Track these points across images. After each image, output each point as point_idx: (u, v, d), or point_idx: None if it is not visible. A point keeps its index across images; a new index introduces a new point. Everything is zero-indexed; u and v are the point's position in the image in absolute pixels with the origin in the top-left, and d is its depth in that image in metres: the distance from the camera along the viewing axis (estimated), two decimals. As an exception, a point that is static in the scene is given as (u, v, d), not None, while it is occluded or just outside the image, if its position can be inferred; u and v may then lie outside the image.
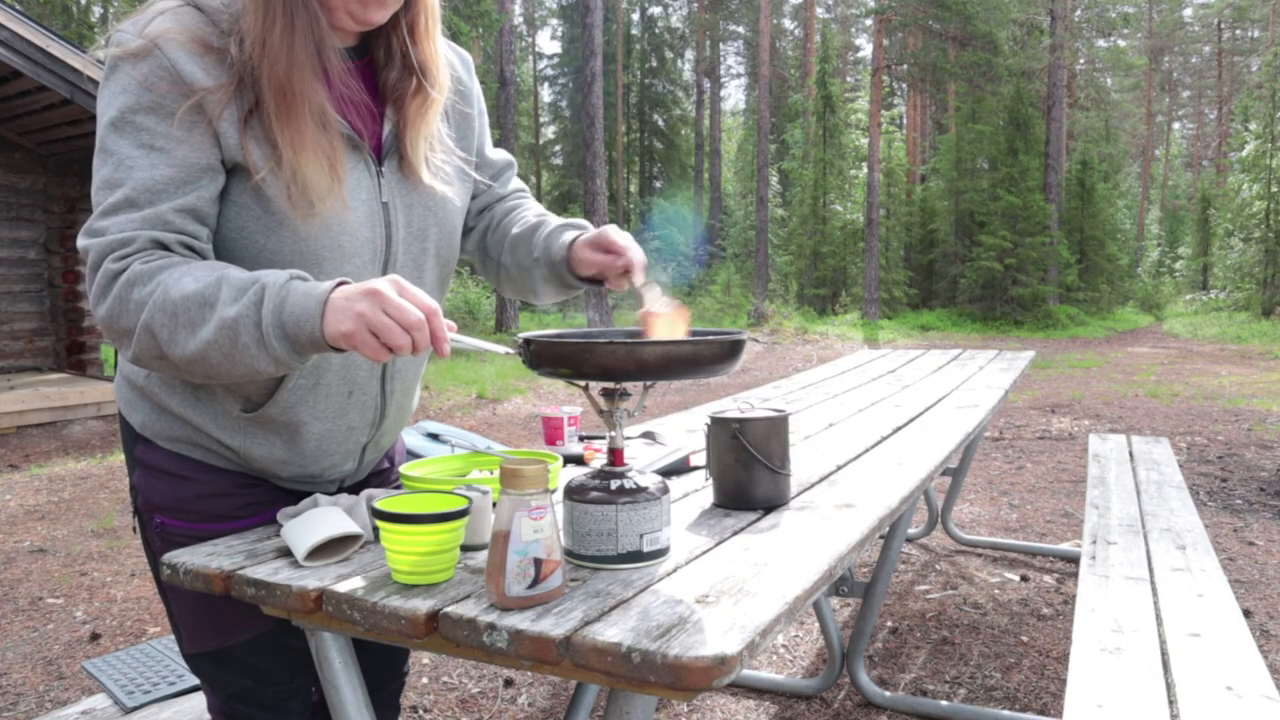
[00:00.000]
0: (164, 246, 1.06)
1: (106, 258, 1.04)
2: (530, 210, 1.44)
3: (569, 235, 1.31)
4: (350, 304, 0.97)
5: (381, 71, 1.22)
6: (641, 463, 1.54)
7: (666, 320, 1.12)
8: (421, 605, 0.93)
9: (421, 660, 2.86)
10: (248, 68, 1.08)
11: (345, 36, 1.19)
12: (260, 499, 1.27)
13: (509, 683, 2.73)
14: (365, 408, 1.28)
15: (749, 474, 1.30)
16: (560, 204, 30.71)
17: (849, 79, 34.56)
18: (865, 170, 23.57)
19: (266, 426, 1.22)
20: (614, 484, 1.04)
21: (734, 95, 51.80)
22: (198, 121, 1.07)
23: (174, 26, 1.07)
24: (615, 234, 1.26)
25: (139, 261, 1.03)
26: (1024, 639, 3.02)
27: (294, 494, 1.31)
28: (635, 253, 1.24)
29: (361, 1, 1.11)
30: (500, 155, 1.48)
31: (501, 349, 1.09)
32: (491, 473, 1.30)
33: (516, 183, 1.51)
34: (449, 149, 1.29)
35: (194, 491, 1.24)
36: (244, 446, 1.22)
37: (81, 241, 1.07)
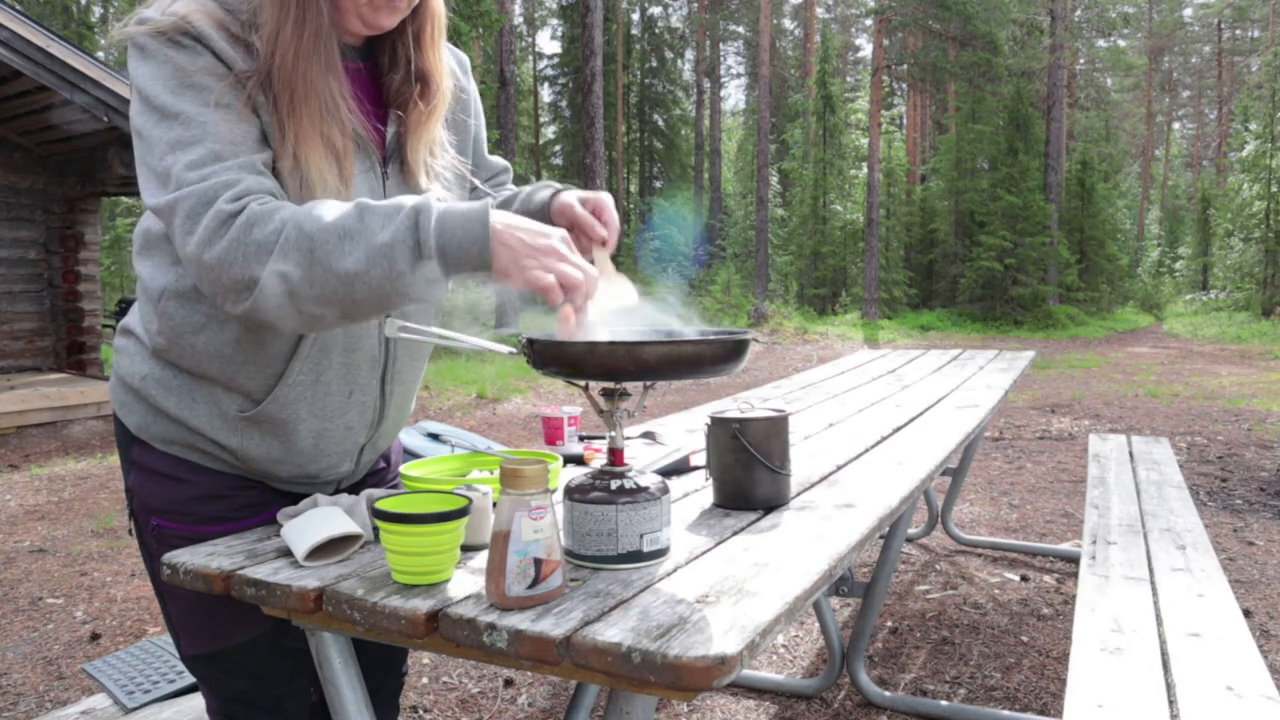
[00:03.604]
0: (272, 195, 1.03)
1: (218, 198, 0.98)
2: (508, 188, 1.45)
3: (549, 190, 1.32)
4: (528, 250, 0.98)
5: (385, 77, 1.22)
6: (641, 463, 1.54)
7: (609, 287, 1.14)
8: (421, 605, 0.93)
9: (421, 660, 2.86)
10: (267, 62, 1.08)
11: (352, 38, 1.20)
12: (256, 500, 1.27)
13: (509, 683, 2.72)
14: (365, 408, 1.27)
15: (749, 474, 1.30)
16: (560, 204, 30.59)
17: (849, 79, 34.56)
18: (865, 170, 23.58)
19: (264, 426, 1.21)
20: (614, 484, 1.04)
21: (734, 95, 51.89)
22: (240, 95, 1.07)
23: (199, 9, 1.07)
24: (610, 204, 1.25)
25: (256, 203, 0.99)
26: (1024, 639, 3.02)
27: (290, 495, 1.30)
28: (615, 232, 1.23)
29: (373, 6, 1.12)
30: (496, 161, 1.49)
31: (504, 349, 1.09)
32: (491, 473, 1.30)
33: (511, 189, 1.51)
34: (449, 154, 1.30)
35: (189, 494, 1.23)
36: (241, 447, 1.22)
37: (164, 197, 1.00)
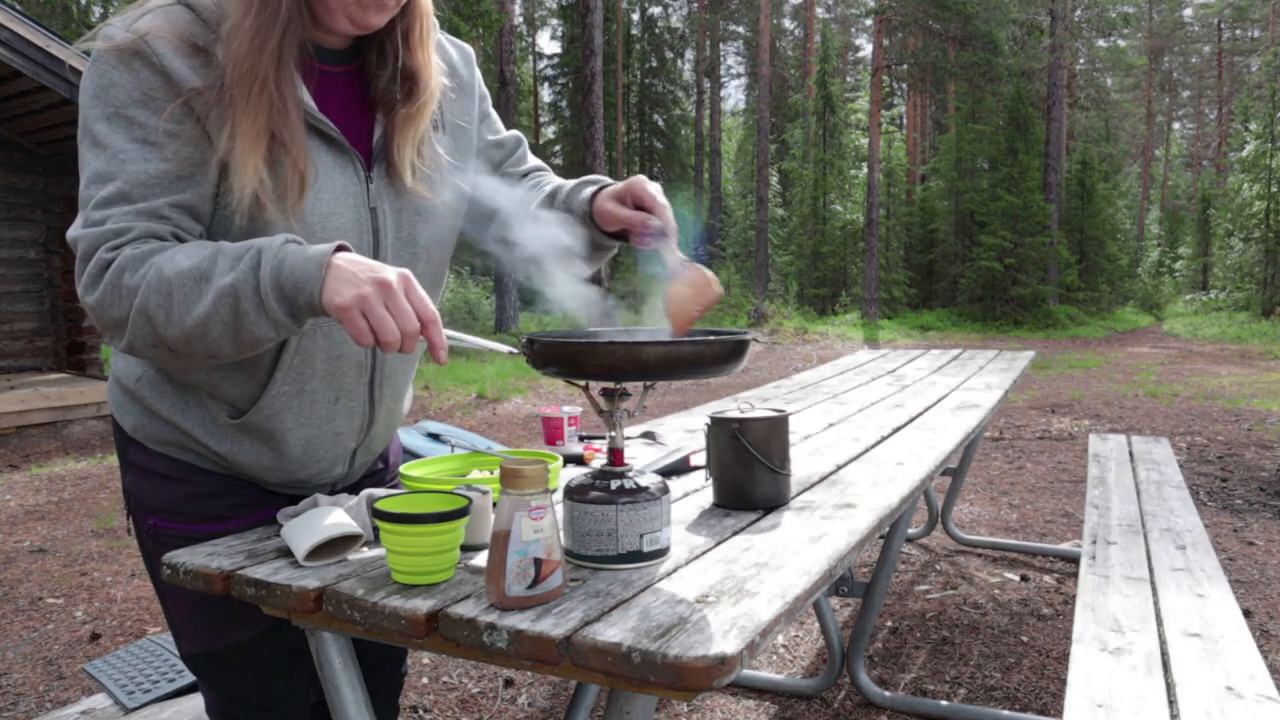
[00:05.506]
0: (158, 238, 1.05)
1: (100, 247, 1.02)
2: (549, 183, 1.39)
3: (589, 190, 1.26)
4: (356, 283, 0.96)
5: (373, 77, 1.21)
6: (641, 463, 1.54)
7: (692, 291, 1.11)
8: (421, 605, 0.93)
9: (421, 660, 2.86)
10: (224, 61, 1.06)
11: (338, 40, 1.18)
12: (252, 499, 1.27)
13: (509, 683, 2.72)
14: (353, 414, 1.27)
15: (749, 474, 1.30)
16: (560, 204, 30.61)
17: (849, 79, 34.58)
18: (865, 170, 23.58)
19: (252, 434, 1.21)
20: (614, 484, 1.04)
21: (734, 95, 51.95)
22: (187, 118, 1.06)
23: (164, 24, 1.06)
24: (647, 186, 1.18)
25: (131, 248, 1.02)
26: (1024, 639, 3.02)
27: (286, 496, 1.30)
28: (669, 212, 1.16)
29: (361, 5, 1.10)
30: (509, 135, 1.44)
31: (504, 348, 1.09)
32: (491, 473, 1.30)
33: (532, 160, 1.46)
34: (438, 154, 1.26)
35: (185, 493, 1.24)
36: (231, 453, 1.22)
37: (73, 233, 1.04)
